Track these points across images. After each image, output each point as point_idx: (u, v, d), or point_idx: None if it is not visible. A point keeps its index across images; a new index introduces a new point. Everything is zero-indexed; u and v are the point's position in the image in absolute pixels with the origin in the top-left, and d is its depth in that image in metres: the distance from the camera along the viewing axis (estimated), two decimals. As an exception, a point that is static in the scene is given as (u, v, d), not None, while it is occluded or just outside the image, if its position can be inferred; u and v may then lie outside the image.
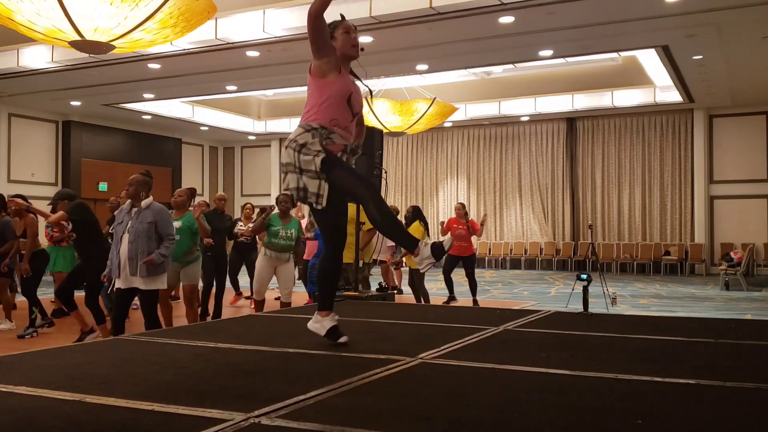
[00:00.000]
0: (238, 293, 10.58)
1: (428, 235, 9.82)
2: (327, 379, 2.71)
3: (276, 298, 9.02)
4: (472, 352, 3.43)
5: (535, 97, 17.49)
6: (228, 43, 11.29)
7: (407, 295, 10.55)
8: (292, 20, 10.40)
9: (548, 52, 12.88)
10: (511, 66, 15.74)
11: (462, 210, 10.41)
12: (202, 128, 20.66)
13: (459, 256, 10.25)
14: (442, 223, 11.17)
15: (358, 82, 3.51)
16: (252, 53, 11.98)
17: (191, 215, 6.69)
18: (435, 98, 14.99)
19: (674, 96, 16.05)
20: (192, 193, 7.15)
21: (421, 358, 3.17)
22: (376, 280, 10.47)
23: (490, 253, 19.97)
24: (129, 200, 5.65)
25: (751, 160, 17.06)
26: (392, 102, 15.04)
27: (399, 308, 5.89)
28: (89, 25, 7.74)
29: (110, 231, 7.66)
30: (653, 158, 18.23)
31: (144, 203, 5.54)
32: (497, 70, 16.74)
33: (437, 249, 3.19)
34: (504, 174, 20.10)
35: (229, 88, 15.58)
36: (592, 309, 5.40)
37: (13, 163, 17.48)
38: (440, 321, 4.62)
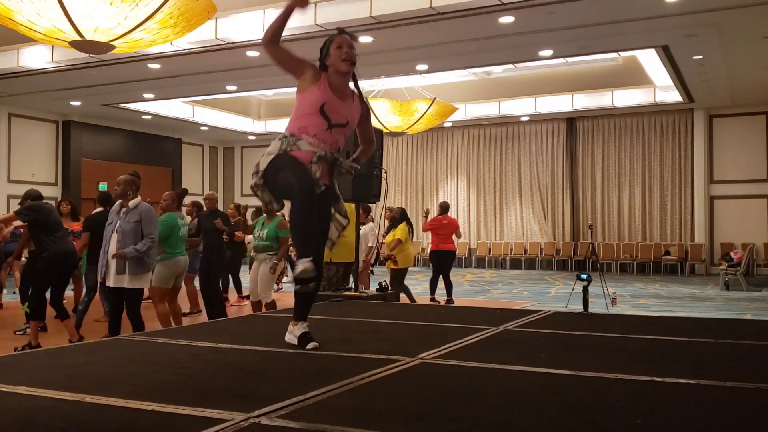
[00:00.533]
0: (241, 295, 10.59)
1: (411, 237, 9.82)
2: (327, 379, 2.71)
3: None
4: (472, 352, 3.42)
5: (535, 97, 17.49)
6: (228, 43, 11.30)
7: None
8: (292, 20, 10.33)
9: (548, 52, 12.88)
10: (511, 66, 15.74)
11: (441, 210, 10.55)
12: (202, 128, 20.66)
13: (442, 251, 10.28)
14: (426, 211, 11.21)
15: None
16: (252, 53, 11.98)
17: (172, 216, 6.73)
18: (435, 98, 14.99)
19: (674, 96, 16.05)
20: (180, 195, 7.14)
21: (421, 358, 3.17)
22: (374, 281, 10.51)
23: (490, 253, 19.97)
24: (119, 201, 5.73)
25: (751, 160, 17.06)
26: (392, 102, 15.04)
27: (399, 308, 5.89)
28: (89, 25, 7.74)
29: None
30: (653, 158, 18.24)
31: (131, 203, 5.63)
32: (497, 70, 16.75)
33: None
34: (504, 174, 20.10)
35: (229, 88, 15.58)
36: (592, 309, 5.40)
37: (13, 163, 17.48)
38: (440, 321, 4.62)
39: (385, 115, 14.97)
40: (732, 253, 14.48)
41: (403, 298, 8.66)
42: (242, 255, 10.43)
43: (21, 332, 7.50)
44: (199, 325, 5.22)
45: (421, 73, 14.48)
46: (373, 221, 10.06)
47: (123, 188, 5.62)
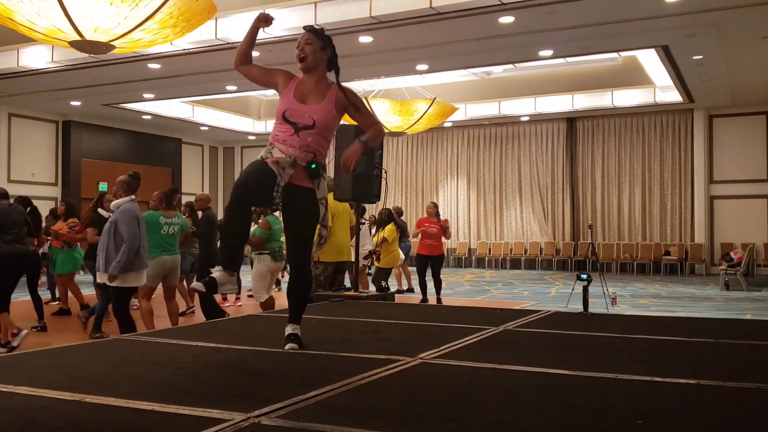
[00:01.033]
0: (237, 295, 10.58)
1: (407, 236, 9.79)
2: (327, 379, 2.71)
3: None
4: (472, 352, 3.43)
5: (535, 97, 17.49)
6: (228, 43, 11.29)
7: (408, 295, 10.55)
8: (292, 20, 10.40)
9: (548, 52, 12.88)
10: (511, 66, 15.74)
11: (434, 209, 10.42)
12: (202, 128, 20.66)
13: (428, 255, 10.13)
14: (444, 221, 11.16)
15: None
16: (252, 53, 11.99)
17: (153, 215, 6.76)
18: (435, 98, 14.99)
19: (674, 96, 16.04)
20: (168, 194, 7.12)
21: (421, 358, 3.17)
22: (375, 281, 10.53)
23: (490, 253, 19.97)
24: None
25: (751, 160, 17.06)
26: (392, 102, 15.04)
27: (399, 308, 5.89)
28: (89, 25, 7.74)
29: None
30: (653, 158, 18.23)
31: (113, 204, 5.83)
32: (497, 70, 16.74)
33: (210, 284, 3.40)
34: (504, 174, 20.10)
35: (229, 88, 15.58)
36: (592, 309, 5.40)
37: (13, 163, 17.48)
38: (440, 321, 4.62)
39: (385, 115, 14.97)
40: (732, 253, 14.47)
41: (411, 299, 8.68)
42: None
43: None
44: (199, 325, 5.21)
45: (421, 73, 14.48)
46: (363, 223, 10.05)
47: (116, 188, 5.85)
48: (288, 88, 3.51)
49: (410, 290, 11.96)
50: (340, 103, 3.47)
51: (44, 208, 9.54)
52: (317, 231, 3.55)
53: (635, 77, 16.02)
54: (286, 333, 3.48)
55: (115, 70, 13.23)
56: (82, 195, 17.78)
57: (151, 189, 7.74)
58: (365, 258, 9.93)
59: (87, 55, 10.30)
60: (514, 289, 13.57)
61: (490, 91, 17.70)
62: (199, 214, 8.61)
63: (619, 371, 2.90)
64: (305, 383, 2.63)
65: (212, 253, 7.78)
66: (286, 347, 3.39)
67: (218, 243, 9.39)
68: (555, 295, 12.17)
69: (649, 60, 14.31)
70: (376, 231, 9.97)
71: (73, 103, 17.00)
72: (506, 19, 10.37)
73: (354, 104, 3.51)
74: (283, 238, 7.13)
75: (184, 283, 9.21)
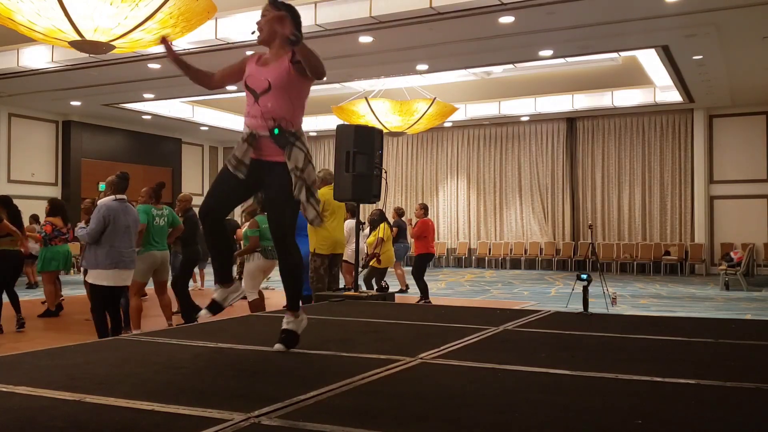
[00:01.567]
0: None
1: (387, 236, 9.78)
2: (327, 379, 2.71)
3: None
4: (472, 352, 3.42)
5: (535, 97, 17.49)
6: (228, 43, 11.30)
7: (407, 295, 10.55)
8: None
9: (548, 52, 12.88)
10: (511, 66, 15.73)
11: (422, 211, 10.56)
12: (202, 128, 20.66)
13: (431, 254, 10.40)
14: (409, 220, 11.21)
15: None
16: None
17: (145, 207, 6.80)
18: (435, 98, 14.99)
19: (674, 96, 16.04)
20: (156, 188, 7.14)
21: (421, 358, 3.17)
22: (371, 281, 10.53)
23: (490, 253, 19.97)
24: None
25: (751, 160, 17.06)
26: (392, 102, 15.04)
27: (399, 308, 5.89)
28: (89, 25, 7.74)
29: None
30: (653, 158, 18.23)
31: (99, 202, 6.03)
32: (497, 70, 16.74)
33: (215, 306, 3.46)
34: (504, 174, 20.10)
35: (229, 87, 15.57)
36: (592, 309, 5.40)
37: (13, 163, 17.48)
38: (440, 321, 4.62)
39: (385, 115, 14.97)
40: (732, 253, 14.47)
41: (410, 298, 8.68)
42: None
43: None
44: (199, 325, 5.21)
45: (421, 73, 14.48)
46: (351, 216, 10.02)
47: (106, 189, 6.10)
48: (251, 60, 3.45)
49: (404, 290, 11.93)
50: (288, 58, 3.29)
51: (44, 209, 9.55)
52: (305, 206, 3.30)
53: (635, 77, 16.02)
54: (281, 327, 3.39)
55: (115, 70, 13.23)
56: (82, 195, 17.77)
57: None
58: (367, 261, 9.95)
59: (87, 55, 10.30)
60: (514, 289, 13.57)
61: (490, 91, 17.69)
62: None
63: (619, 371, 2.90)
64: (305, 383, 2.63)
65: (194, 254, 7.83)
66: (274, 347, 3.31)
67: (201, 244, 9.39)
68: (555, 295, 12.17)
69: (649, 60, 14.31)
70: (370, 232, 9.93)
71: (73, 103, 17.00)
72: (506, 19, 10.37)
73: (300, 52, 3.18)
74: None
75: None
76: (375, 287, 9.74)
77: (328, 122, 18.98)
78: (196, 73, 3.60)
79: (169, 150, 21.42)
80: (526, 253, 19.60)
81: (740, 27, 10.88)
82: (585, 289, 5.30)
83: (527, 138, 19.74)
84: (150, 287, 7.52)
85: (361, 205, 6.97)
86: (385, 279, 10.64)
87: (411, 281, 10.84)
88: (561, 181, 19.34)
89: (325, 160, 22.05)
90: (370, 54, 12.29)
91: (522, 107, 17.96)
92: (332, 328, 4.20)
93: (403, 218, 12.35)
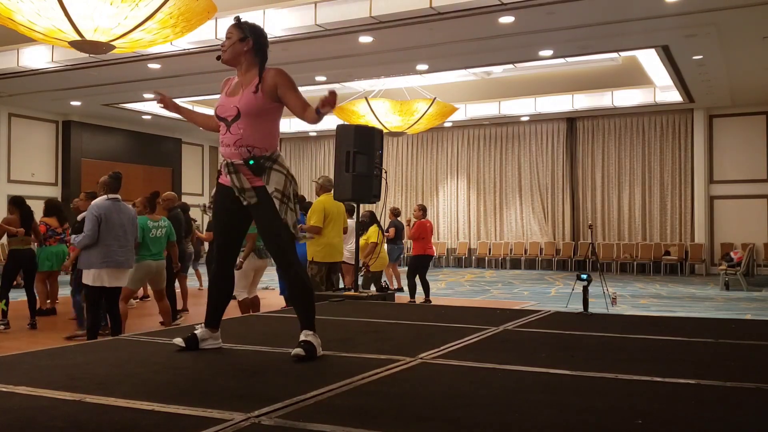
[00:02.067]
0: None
1: (403, 237, 9.75)
2: (327, 379, 2.71)
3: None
4: (472, 352, 3.43)
5: (535, 97, 17.48)
6: (228, 44, 11.28)
7: (403, 295, 10.55)
8: (292, 20, 10.40)
9: (548, 52, 12.88)
10: (511, 66, 15.72)
11: (420, 212, 10.56)
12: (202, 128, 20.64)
13: (429, 256, 10.42)
14: (408, 220, 11.21)
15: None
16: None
17: (142, 218, 6.79)
18: (435, 98, 14.99)
19: (674, 96, 16.04)
20: (150, 198, 7.13)
21: (421, 358, 3.17)
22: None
23: (490, 253, 19.97)
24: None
25: (751, 160, 17.06)
26: (392, 102, 15.03)
27: (399, 308, 5.89)
28: (89, 25, 7.74)
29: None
30: (653, 158, 18.23)
31: (92, 202, 6.05)
32: (497, 70, 16.74)
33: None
34: (504, 174, 20.10)
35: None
36: (592, 309, 5.40)
37: (13, 163, 17.48)
38: (440, 321, 4.62)
39: (385, 115, 14.96)
40: (732, 253, 14.47)
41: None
42: None
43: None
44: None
45: (421, 73, 14.47)
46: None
47: (97, 189, 6.16)
48: (224, 88, 3.47)
49: (400, 290, 11.92)
50: (268, 84, 3.29)
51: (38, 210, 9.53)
52: (288, 220, 3.27)
53: (635, 77, 16.02)
54: (300, 339, 3.24)
55: (115, 70, 13.23)
56: (82, 195, 17.78)
57: (152, 189, 7.75)
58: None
59: (87, 55, 10.29)
60: (514, 289, 13.57)
61: (490, 91, 17.69)
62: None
63: (619, 371, 2.90)
64: (305, 383, 2.63)
65: (180, 252, 7.84)
66: (293, 352, 3.16)
67: (188, 243, 9.38)
68: (555, 295, 12.17)
69: (649, 60, 14.30)
70: (358, 235, 9.65)
71: (73, 103, 17.00)
72: (506, 19, 10.37)
73: (283, 85, 3.30)
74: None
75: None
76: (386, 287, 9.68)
77: (328, 122, 18.90)
78: (204, 119, 3.69)
79: (169, 150, 21.42)
80: (526, 253, 19.60)
81: (740, 27, 10.87)
82: (585, 289, 5.30)
83: (527, 138, 19.74)
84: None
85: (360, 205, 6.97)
86: (384, 279, 10.64)
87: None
88: (561, 181, 19.33)
89: (325, 160, 22.05)
90: (370, 54, 12.28)
91: (522, 107, 17.95)
92: (332, 328, 4.20)
93: (399, 218, 12.35)
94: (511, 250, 19.70)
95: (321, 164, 22.27)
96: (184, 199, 19.22)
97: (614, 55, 14.96)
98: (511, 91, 17.52)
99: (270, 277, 13.12)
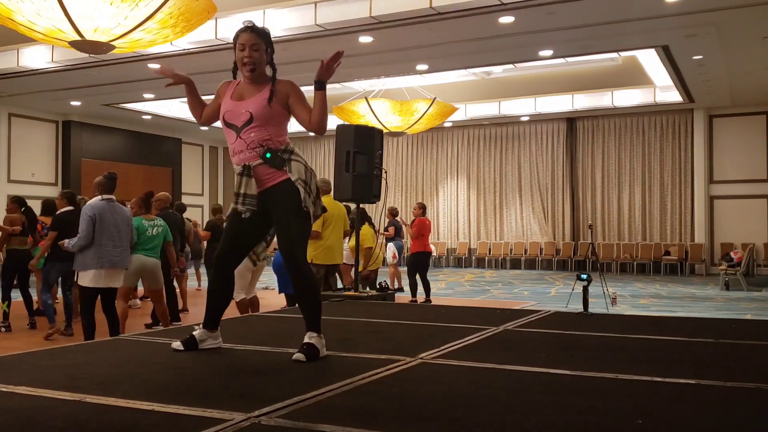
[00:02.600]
0: None
1: (402, 236, 9.72)
2: (327, 379, 2.71)
3: None
4: (472, 352, 3.42)
5: (535, 97, 17.49)
6: (228, 43, 11.25)
7: (403, 295, 10.55)
8: (292, 20, 10.40)
9: (548, 52, 12.88)
10: (511, 66, 15.74)
11: (420, 210, 10.58)
12: (202, 128, 20.65)
13: (428, 253, 10.48)
14: (403, 221, 11.19)
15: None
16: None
17: (137, 218, 6.79)
18: (435, 98, 14.99)
19: (674, 96, 16.05)
20: (145, 198, 7.13)
21: (421, 358, 3.17)
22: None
23: (490, 253, 19.98)
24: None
25: (751, 160, 17.06)
26: (392, 102, 15.04)
27: (399, 308, 5.89)
28: (89, 25, 7.73)
29: None
30: (653, 158, 18.24)
31: (87, 203, 6.08)
32: (497, 70, 16.75)
33: None
34: (504, 174, 20.10)
35: (230, 88, 15.56)
36: (592, 309, 5.40)
37: (13, 163, 17.48)
38: (440, 321, 4.62)
39: (385, 115, 14.96)
40: (732, 253, 14.48)
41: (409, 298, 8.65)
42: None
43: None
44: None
45: (421, 73, 14.48)
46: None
47: (93, 190, 6.13)
48: (227, 93, 3.40)
49: (400, 290, 11.93)
50: (281, 93, 3.27)
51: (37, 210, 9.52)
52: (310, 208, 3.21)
53: (635, 77, 16.02)
54: (303, 341, 3.20)
55: (115, 70, 13.23)
56: (82, 195, 17.79)
57: (152, 189, 7.75)
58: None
59: (87, 55, 10.29)
60: (514, 289, 13.57)
61: (490, 91, 17.70)
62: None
63: (619, 371, 2.90)
64: (305, 383, 2.63)
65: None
66: (293, 357, 3.12)
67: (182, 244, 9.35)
68: (555, 295, 12.17)
69: (649, 60, 14.31)
70: (349, 237, 9.43)
71: (73, 103, 17.00)
72: (506, 19, 10.37)
73: (294, 95, 3.31)
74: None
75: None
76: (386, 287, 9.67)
77: (328, 122, 18.91)
78: (201, 104, 3.69)
79: (169, 150, 21.42)
80: (526, 253, 19.60)
81: (740, 27, 10.87)
82: (585, 289, 5.30)
83: (527, 138, 19.75)
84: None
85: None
86: (385, 279, 10.64)
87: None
88: (561, 181, 19.34)
89: (325, 160, 22.05)
90: (370, 54, 12.28)
91: (522, 107, 17.96)
92: (332, 328, 4.19)
93: (397, 218, 12.37)
94: (511, 250, 19.70)
95: (321, 164, 22.28)
96: (184, 199, 19.26)
97: (614, 55, 14.97)
98: (511, 91, 17.53)
99: (269, 277, 13.13)
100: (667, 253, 17.57)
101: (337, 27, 10.46)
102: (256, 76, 3.32)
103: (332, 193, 6.79)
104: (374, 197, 6.54)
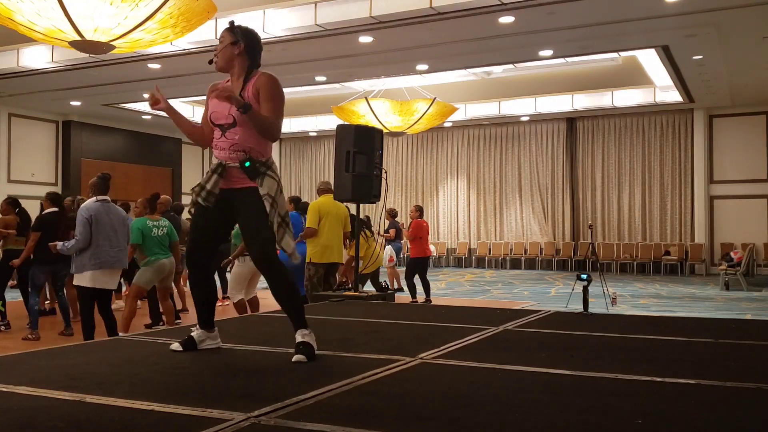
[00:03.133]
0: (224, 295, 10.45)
1: (374, 239, 9.65)
2: (327, 379, 2.71)
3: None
4: (472, 352, 3.43)
5: (535, 97, 17.48)
6: (228, 43, 11.29)
7: (403, 295, 10.55)
8: (292, 20, 10.40)
9: (548, 52, 12.88)
10: (511, 66, 15.74)
11: (416, 212, 10.60)
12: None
13: (427, 257, 10.48)
14: (402, 224, 11.18)
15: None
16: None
17: (140, 220, 6.81)
18: (435, 98, 14.99)
19: (674, 96, 16.04)
20: (151, 199, 7.14)
21: (421, 358, 3.17)
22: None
23: (490, 253, 19.98)
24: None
25: (751, 160, 17.06)
26: (392, 102, 15.04)
27: (399, 308, 5.89)
28: (89, 25, 7.73)
29: None
30: (653, 158, 18.24)
31: (82, 205, 6.05)
32: (497, 70, 16.75)
33: None
34: (504, 174, 20.10)
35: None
36: (592, 309, 5.40)
37: (13, 163, 17.48)
38: (440, 321, 4.62)
39: (385, 115, 14.96)
40: (732, 253, 14.47)
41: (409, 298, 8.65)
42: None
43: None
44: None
45: (421, 73, 14.48)
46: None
47: (88, 191, 6.14)
48: (214, 94, 3.38)
49: (400, 290, 11.93)
50: (254, 89, 3.25)
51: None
52: (274, 226, 3.22)
53: (635, 77, 16.02)
54: (295, 341, 3.20)
55: (115, 70, 13.23)
56: (81, 195, 17.79)
57: (152, 189, 7.75)
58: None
59: (87, 55, 10.29)
60: (514, 289, 13.57)
61: (490, 91, 17.69)
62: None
63: (619, 371, 2.90)
64: (305, 383, 2.63)
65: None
66: (293, 359, 3.10)
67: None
68: (555, 295, 12.17)
69: (649, 60, 14.31)
70: (349, 243, 9.35)
71: (73, 103, 16.99)
72: (506, 19, 10.37)
73: (264, 89, 3.24)
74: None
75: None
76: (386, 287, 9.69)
77: (328, 122, 18.97)
78: (190, 128, 3.60)
79: (169, 150, 21.42)
80: (526, 253, 19.60)
81: (740, 27, 10.87)
82: (585, 289, 5.30)
83: (527, 138, 19.75)
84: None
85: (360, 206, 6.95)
86: (385, 279, 10.64)
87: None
88: (561, 181, 19.34)
89: (325, 160, 22.05)
90: (370, 54, 12.28)
91: (522, 107, 17.95)
92: (332, 328, 4.20)
93: (396, 219, 12.38)
94: (511, 250, 19.70)
95: (321, 164, 22.27)
96: (184, 199, 19.25)
97: (614, 55, 14.97)
98: (511, 91, 17.52)
99: (270, 277, 13.10)
100: (667, 253, 17.57)
101: (337, 27, 10.47)
102: (221, 68, 3.38)
103: (333, 194, 6.80)
104: (374, 197, 6.54)
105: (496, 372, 2.95)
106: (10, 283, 8.29)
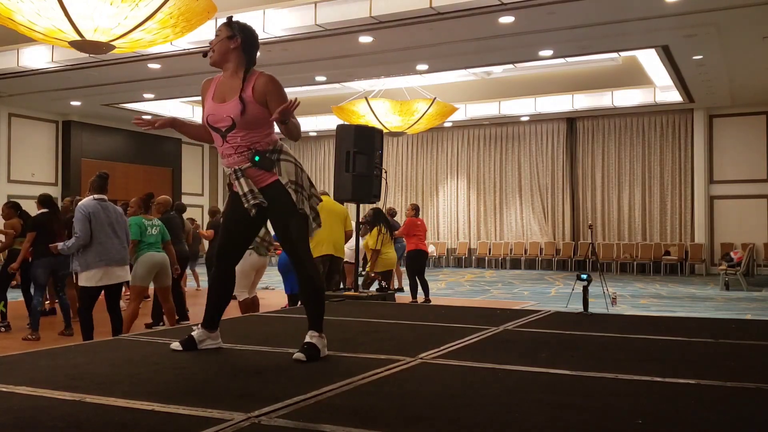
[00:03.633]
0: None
1: (391, 238, 9.63)
2: (327, 379, 2.71)
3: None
4: (472, 352, 3.43)
5: (535, 97, 17.48)
6: (228, 43, 11.29)
7: (404, 295, 10.55)
8: (292, 20, 10.40)
9: (548, 52, 12.88)
10: (511, 66, 15.73)
11: (412, 211, 10.61)
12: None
13: (423, 251, 10.45)
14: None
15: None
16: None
17: (136, 219, 6.80)
18: (435, 98, 14.99)
19: (674, 96, 16.04)
20: (146, 199, 7.14)
21: (421, 358, 3.17)
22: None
23: (490, 253, 19.98)
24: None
25: (751, 160, 17.06)
26: (392, 102, 15.03)
27: (399, 308, 5.89)
28: (89, 25, 7.74)
29: None
30: (653, 158, 18.23)
31: (79, 204, 6.05)
32: (497, 70, 16.74)
33: None
34: (504, 174, 20.10)
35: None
36: (592, 309, 5.41)
37: (13, 163, 17.48)
38: (440, 321, 4.62)
39: (385, 115, 14.96)
40: (732, 253, 14.47)
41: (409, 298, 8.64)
42: None
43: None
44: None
45: (421, 73, 14.47)
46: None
47: (87, 190, 6.20)
48: (209, 92, 3.33)
49: (400, 290, 11.93)
50: (258, 92, 3.17)
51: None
52: (306, 209, 3.23)
53: (635, 77, 16.02)
54: (305, 340, 3.21)
55: (115, 70, 13.23)
56: (81, 195, 17.79)
57: (152, 190, 7.74)
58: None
59: (87, 55, 10.30)
60: (514, 289, 13.57)
61: (490, 91, 17.69)
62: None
63: (619, 371, 2.90)
64: (305, 383, 2.63)
65: (181, 253, 7.90)
66: (294, 356, 3.12)
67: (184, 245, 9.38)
68: (555, 295, 12.17)
69: (649, 60, 14.31)
70: (367, 232, 9.53)
71: (73, 103, 16.99)
72: (506, 19, 10.37)
73: (270, 91, 3.19)
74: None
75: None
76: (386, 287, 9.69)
77: (328, 122, 18.97)
78: (196, 131, 3.55)
79: (169, 150, 21.41)
80: (526, 253, 19.60)
81: (740, 27, 10.87)
82: (585, 289, 5.30)
83: (527, 138, 19.74)
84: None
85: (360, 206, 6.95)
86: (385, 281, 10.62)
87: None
88: (561, 181, 19.33)
89: (325, 160, 22.05)
90: (370, 54, 12.28)
91: (522, 107, 17.95)
92: (332, 328, 4.19)
93: (395, 218, 12.39)
94: (511, 250, 19.70)
95: (321, 164, 22.28)
96: (184, 199, 19.25)
97: (614, 55, 14.97)
98: (511, 91, 17.52)
99: (270, 277, 13.14)
100: (667, 253, 17.57)
101: (337, 27, 10.47)
102: (216, 62, 3.34)
103: (331, 195, 6.80)
104: (374, 197, 6.54)
105: (496, 372, 2.95)
106: (12, 282, 8.30)
